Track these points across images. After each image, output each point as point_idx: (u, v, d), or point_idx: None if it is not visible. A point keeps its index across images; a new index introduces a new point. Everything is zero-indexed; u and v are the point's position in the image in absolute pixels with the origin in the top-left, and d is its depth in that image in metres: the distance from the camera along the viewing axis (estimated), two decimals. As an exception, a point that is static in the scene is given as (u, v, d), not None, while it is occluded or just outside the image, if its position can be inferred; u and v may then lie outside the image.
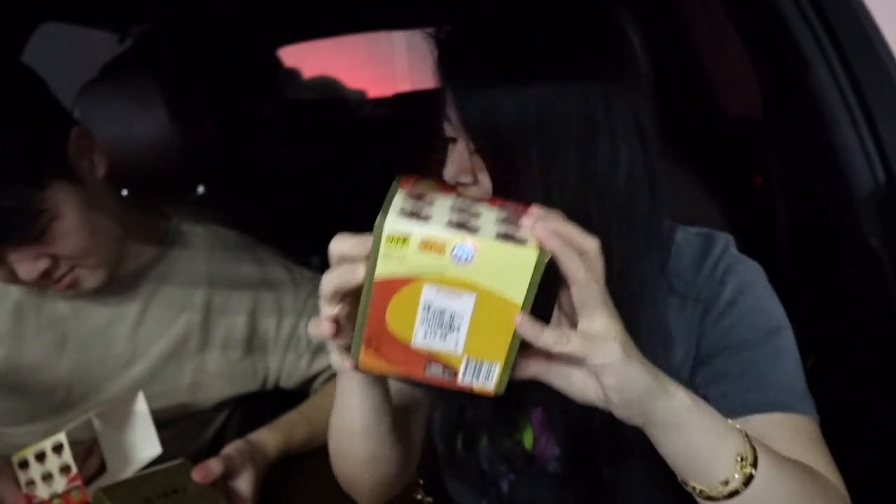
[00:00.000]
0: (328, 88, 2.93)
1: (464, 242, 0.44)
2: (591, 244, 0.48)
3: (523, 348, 0.48)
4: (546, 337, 0.46)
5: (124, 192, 1.12)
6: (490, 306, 0.45)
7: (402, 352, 0.46)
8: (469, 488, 0.80)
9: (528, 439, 0.75)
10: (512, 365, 0.47)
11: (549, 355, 0.50)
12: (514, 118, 0.60)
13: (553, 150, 0.61)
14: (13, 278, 0.80)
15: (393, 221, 0.44)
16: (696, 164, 1.10)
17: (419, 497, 0.86)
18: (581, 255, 0.47)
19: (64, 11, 1.48)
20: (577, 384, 0.51)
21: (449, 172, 0.67)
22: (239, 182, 2.18)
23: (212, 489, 0.76)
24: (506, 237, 0.45)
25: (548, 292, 0.49)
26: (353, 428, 0.66)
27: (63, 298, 0.91)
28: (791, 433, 0.63)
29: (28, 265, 0.79)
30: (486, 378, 0.47)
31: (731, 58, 1.52)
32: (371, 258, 0.44)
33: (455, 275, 0.44)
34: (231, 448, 0.84)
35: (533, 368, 0.51)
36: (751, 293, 0.69)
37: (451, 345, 0.46)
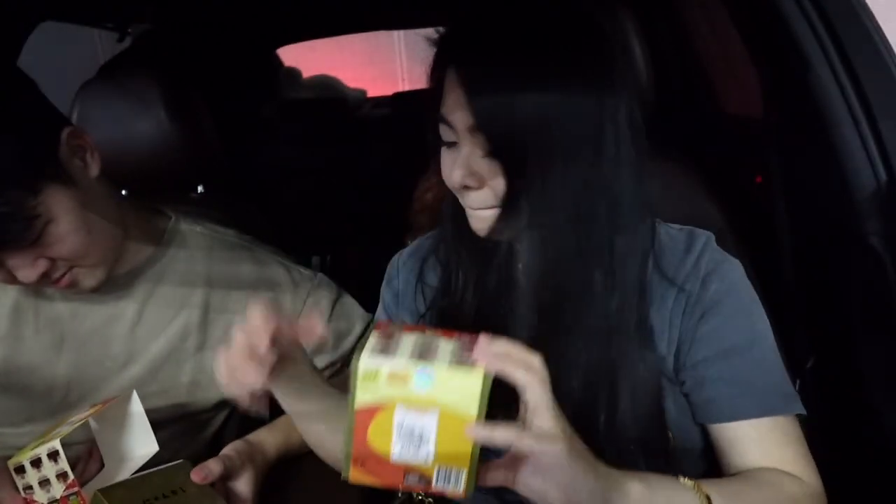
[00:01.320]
0: (328, 88, 2.93)
1: (423, 370, 0.53)
2: (534, 360, 0.55)
3: (491, 457, 0.57)
4: (498, 436, 0.52)
5: (123, 192, 1.12)
6: (451, 420, 0.53)
7: (384, 466, 0.54)
8: None
9: None
10: (476, 469, 0.54)
11: (512, 466, 0.55)
12: (530, 120, 0.61)
13: (566, 152, 0.62)
14: (12, 279, 0.80)
15: (365, 361, 0.53)
16: (696, 164, 1.09)
17: (419, 497, 0.86)
18: (528, 369, 0.54)
19: (63, 10, 1.48)
20: (539, 491, 0.54)
21: (455, 177, 0.67)
22: (239, 182, 2.18)
23: (211, 490, 0.76)
24: (458, 363, 0.53)
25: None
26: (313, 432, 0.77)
27: (61, 298, 0.90)
28: (772, 436, 0.67)
29: (26, 268, 0.79)
30: (456, 483, 0.54)
31: (731, 58, 1.51)
32: (351, 392, 0.53)
33: (419, 397, 0.53)
34: (230, 448, 0.84)
35: (501, 477, 0.56)
36: (735, 295, 0.70)
37: (423, 457, 0.54)
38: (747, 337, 0.69)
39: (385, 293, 0.87)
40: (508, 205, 0.65)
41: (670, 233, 0.74)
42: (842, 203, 0.87)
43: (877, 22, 0.85)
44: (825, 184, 0.92)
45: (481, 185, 0.67)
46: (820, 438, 0.92)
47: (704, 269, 0.70)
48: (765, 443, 0.67)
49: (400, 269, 0.86)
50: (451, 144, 0.68)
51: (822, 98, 0.86)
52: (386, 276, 0.88)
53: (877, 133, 0.83)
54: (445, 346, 0.56)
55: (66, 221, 0.79)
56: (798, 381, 0.93)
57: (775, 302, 0.72)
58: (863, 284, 0.89)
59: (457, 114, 0.65)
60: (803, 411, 0.69)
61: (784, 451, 0.67)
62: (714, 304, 0.69)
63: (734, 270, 0.71)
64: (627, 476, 0.57)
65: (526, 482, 0.55)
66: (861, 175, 0.84)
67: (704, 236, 0.73)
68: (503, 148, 0.63)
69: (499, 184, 0.65)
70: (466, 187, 0.67)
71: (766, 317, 0.71)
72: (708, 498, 0.58)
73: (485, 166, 0.65)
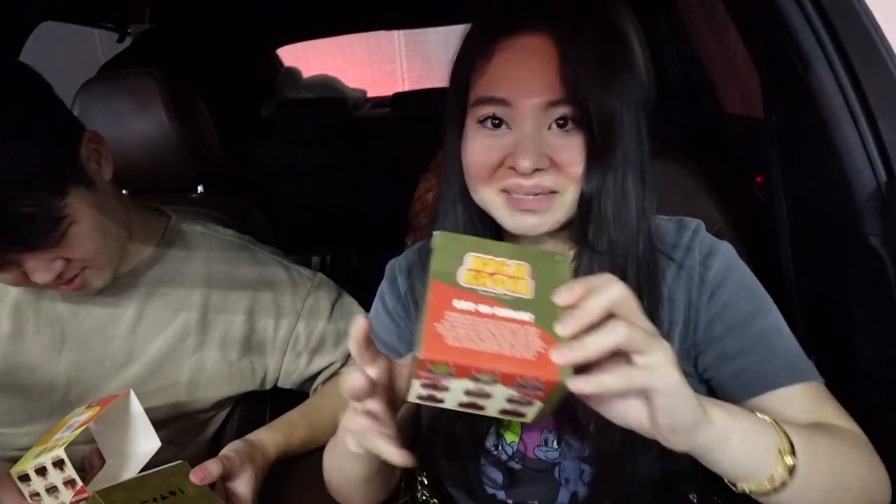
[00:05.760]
0: (328, 88, 2.93)
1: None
2: (617, 290, 0.46)
3: None
4: (610, 383, 0.45)
5: (124, 192, 1.12)
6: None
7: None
8: (457, 491, 0.80)
9: (513, 434, 0.75)
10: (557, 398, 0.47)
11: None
12: (615, 86, 0.61)
13: (633, 128, 0.63)
14: (24, 281, 0.81)
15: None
16: (696, 164, 1.09)
17: (424, 497, 0.85)
18: (616, 298, 0.46)
19: (63, 10, 1.48)
20: (619, 409, 0.50)
21: (525, 162, 0.61)
22: (239, 182, 2.18)
23: (210, 491, 0.76)
24: (505, 412, 0.48)
25: None
26: (352, 479, 0.69)
27: (61, 298, 0.91)
28: (811, 401, 0.66)
29: (44, 269, 0.80)
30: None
31: (731, 57, 1.52)
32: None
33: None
34: (230, 449, 0.84)
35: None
36: (737, 270, 0.70)
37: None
38: (756, 307, 0.69)
39: (388, 298, 0.83)
40: (589, 181, 0.63)
41: (659, 222, 0.74)
42: (842, 203, 0.87)
43: (877, 22, 0.85)
44: (825, 184, 0.92)
45: (551, 165, 0.63)
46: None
47: (701, 251, 0.71)
48: (808, 411, 0.65)
49: (398, 275, 0.82)
50: (497, 125, 0.65)
51: (822, 98, 0.86)
52: (387, 280, 0.84)
53: (877, 133, 0.83)
54: (501, 392, 0.46)
55: (87, 222, 0.80)
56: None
57: (775, 301, 0.72)
58: (863, 284, 0.89)
59: (521, 87, 0.62)
60: (820, 377, 0.68)
61: (830, 416, 0.65)
62: (720, 282, 0.69)
63: (729, 250, 0.72)
64: (711, 403, 0.51)
65: (605, 402, 0.49)
66: (861, 175, 0.84)
67: (694, 222, 0.74)
68: (600, 117, 0.61)
69: (571, 161, 0.63)
70: (539, 171, 0.63)
71: (766, 293, 0.72)
72: (787, 435, 0.54)
73: (553, 144, 0.63)
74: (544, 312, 0.46)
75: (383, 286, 0.84)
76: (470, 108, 0.66)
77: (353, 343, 0.50)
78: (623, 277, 0.62)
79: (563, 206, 0.65)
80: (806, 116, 0.91)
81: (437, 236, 0.48)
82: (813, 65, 0.86)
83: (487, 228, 0.72)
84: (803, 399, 0.66)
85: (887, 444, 0.86)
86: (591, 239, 0.66)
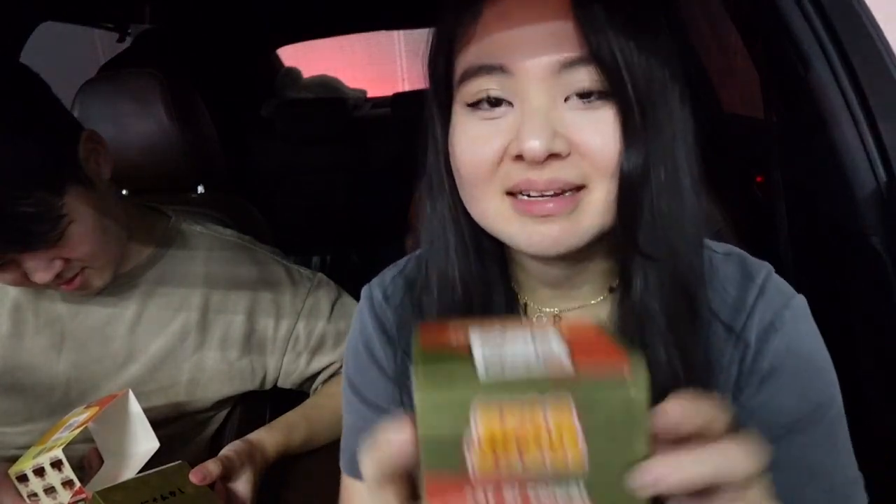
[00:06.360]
0: (328, 88, 2.93)
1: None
2: (749, 467, 0.29)
3: None
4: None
5: (124, 192, 1.13)
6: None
7: None
8: None
9: None
10: None
11: None
12: (652, 36, 0.47)
13: (680, 99, 0.51)
14: (24, 281, 0.81)
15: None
16: (696, 164, 1.09)
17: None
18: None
19: (63, 10, 1.48)
20: None
21: (535, 142, 0.45)
22: (239, 182, 2.18)
23: (209, 491, 0.76)
24: None
25: None
26: None
27: (61, 298, 0.91)
28: None
29: (43, 269, 0.80)
30: None
31: (731, 57, 1.51)
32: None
33: None
34: (230, 449, 0.84)
35: None
36: (799, 355, 0.54)
37: None
38: (813, 407, 0.53)
39: (376, 344, 0.62)
40: (631, 166, 0.46)
41: (714, 259, 0.56)
42: (842, 203, 0.87)
43: (877, 22, 0.85)
44: (825, 184, 0.92)
45: (571, 152, 0.47)
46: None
47: (762, 321, 0.53)
48: None
49: (384, 319, 0.63)
50: (494, 103, 0.48)
51: (822, 98, 0.86)
52: (374, 326, 0.63)
53: (877, 133, 0.83)
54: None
55: (86, 221, 0.80)
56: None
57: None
58: (863, 284, 0.89)
59: (522, 45, 0.46)
60: (865, 495, 0.55)
61: None
62: (777, 368, 0.53)
63: (798, 316, 0.54)
64: None
65: None
66: (861, 175, 0.83)
67: (763, 270, 0.55)
68: (638, 80, 0.45)
69: (600, 141, 0.46)
70: (554, 155, 0.46)
71: (833, 371, 0.55)
72: None
73: (573, 121, 0.47)
74: (603, 485, 0.27)
75: (366, 326, 0.64)
76: (457, 87, 0.50)
77: (386, 460, 0.29)
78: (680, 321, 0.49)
79: (593, 207, 0.48)
80: (806, 116, 0.90)
81: (420, 379, 0.27)
82: (813, 65, 0.85)
83: (493, 256, 0.55)
84: None
85: (887, 444, 0.86)
86: (641, 245, 0.49)
